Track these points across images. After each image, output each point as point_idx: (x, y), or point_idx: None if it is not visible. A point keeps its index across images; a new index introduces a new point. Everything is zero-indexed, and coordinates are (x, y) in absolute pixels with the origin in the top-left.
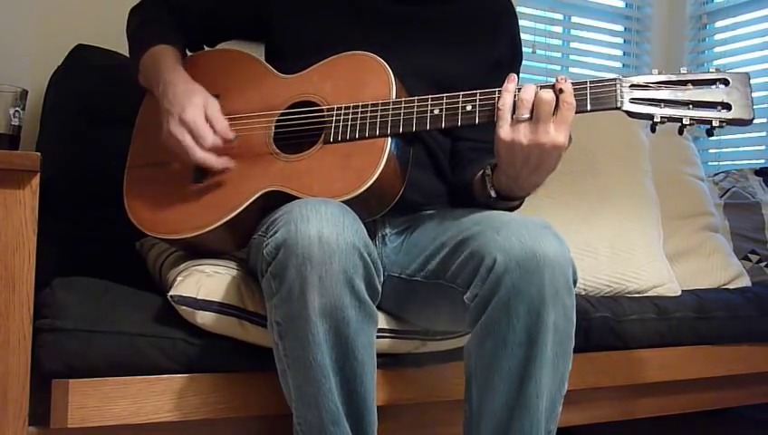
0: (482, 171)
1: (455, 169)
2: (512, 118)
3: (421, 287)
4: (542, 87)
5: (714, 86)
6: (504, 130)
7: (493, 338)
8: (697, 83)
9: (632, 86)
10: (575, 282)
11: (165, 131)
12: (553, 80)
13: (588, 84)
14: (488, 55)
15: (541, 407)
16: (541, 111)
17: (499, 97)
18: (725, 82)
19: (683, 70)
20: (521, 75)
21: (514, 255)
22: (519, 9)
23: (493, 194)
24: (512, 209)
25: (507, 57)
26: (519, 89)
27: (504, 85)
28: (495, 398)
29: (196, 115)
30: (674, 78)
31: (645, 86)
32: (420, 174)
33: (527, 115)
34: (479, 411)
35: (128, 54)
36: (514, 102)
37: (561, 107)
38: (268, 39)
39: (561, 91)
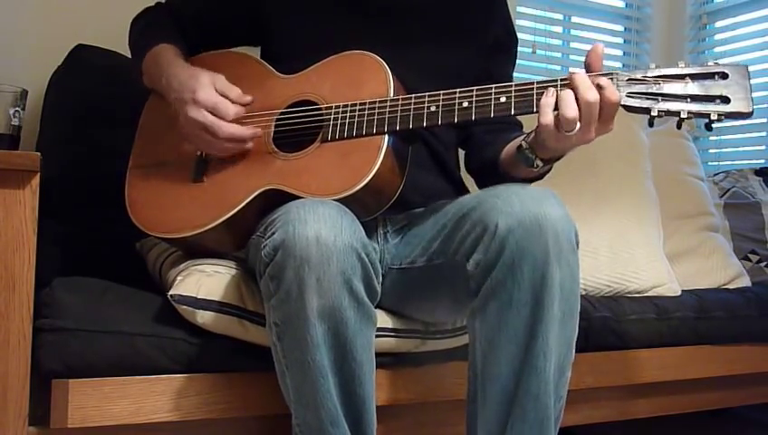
0: (517, 147)
1: (472, 154)
2: (558, 131)
3: (421, 274)
4: (584, 76)
5: (712, 80)
6: (553, 138)
7: (498, 299)
8: (695, 77)
9: (629, 80)
10: (577, 244)
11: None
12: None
13: None
14: (485, 39)
15: (549, 368)
16: (589, 116)
17: (539, 105)
18: (724, 76)
19: (681, 63)
20: (519, 75)
21: (517, 217)
22: (519, 9)
23: (540, 163)
24: (548, 171)
25: (504, 38)
26: (557, 102)
27: (543, 100)
28: (501, 359)
29: (209, 93)
30: (672, 72)
31: (642, 80)
32: (423, 175)
33: (575, 130)
34: (484, 374)
35: (128, 54)
36: (557, 119)
37: (604, 109)
38: (265, 42)
39: (600, 87)
